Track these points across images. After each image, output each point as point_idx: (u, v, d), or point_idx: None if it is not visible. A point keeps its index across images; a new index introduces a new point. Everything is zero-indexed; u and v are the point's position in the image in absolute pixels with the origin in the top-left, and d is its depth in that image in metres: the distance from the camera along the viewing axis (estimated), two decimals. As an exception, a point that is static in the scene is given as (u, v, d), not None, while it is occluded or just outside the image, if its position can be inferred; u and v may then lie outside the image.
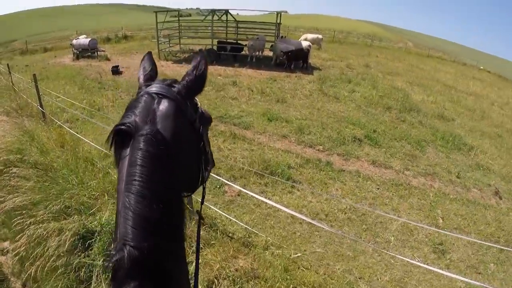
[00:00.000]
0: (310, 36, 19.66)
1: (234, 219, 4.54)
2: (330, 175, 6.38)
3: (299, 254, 3.78)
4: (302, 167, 6.54)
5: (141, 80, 1.00)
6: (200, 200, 1.26)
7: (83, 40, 19.51)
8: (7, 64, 10.98)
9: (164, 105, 0.87)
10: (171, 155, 0.80)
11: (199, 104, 1.02)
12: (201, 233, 3.76)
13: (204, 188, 1.20)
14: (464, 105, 14.33)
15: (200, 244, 3.64)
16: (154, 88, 0.90)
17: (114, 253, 0.64)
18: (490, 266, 5.01)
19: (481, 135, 10.94)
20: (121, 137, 0.80)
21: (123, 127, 0.78)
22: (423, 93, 14.32)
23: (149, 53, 1.11)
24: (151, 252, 0.65)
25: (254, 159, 6.36)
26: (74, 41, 19.77)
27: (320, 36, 20.26)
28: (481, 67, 35.40)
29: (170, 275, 0.72)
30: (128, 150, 0.77)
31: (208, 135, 1.14)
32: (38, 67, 16.05)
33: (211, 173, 1.40)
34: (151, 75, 1.03)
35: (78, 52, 19.03)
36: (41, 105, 7.31)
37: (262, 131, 8.18)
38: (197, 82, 0.97)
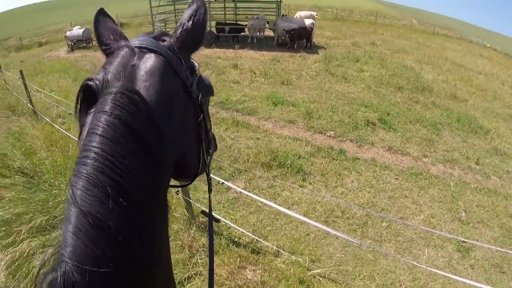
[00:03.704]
0: (303, 13, 18.52)
1: (236, 227, 4.07)
2: (344, 165, 5.86)
3: (318, 271, 3.30)
4: (313, 156, 6.01)
5: (109, 42, 0.74)
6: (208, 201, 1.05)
7: (77, 31, 18.90)
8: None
9: (148, 60, 0.65)
10: (154, 124, 0.56)
11: (197, 66, 0.81)
12: (202, 240, 3.28)
13: (209, 181, 1.00)
14: (476, 85, 13.72)
15: (203, 255, 3.18)
16: (137, 41, 0.69)
17: (47, 273, 0.42)
18: (518, 264, 4.57)
19: (495, 117, 10.41)
20: (87, 97, 0.58)
21: (90, 82, 0.58)
22: (433, 72, 13.66)
23: (101, 10, 0.82)
24: (99, 277, 0.41)
25: (260, 149, 5.78)
26: (68, 33, 19.28)
27: (313, 13, 19.17)
28: (488, 45, 34.42)
29: None
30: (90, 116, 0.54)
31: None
32: (33, 62, 15.67)
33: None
34: (120, 33, 0.77)
35: (72, 44, 18.59)
36: (30, 102, 6.89)
37: (267, 116, 7.61)
38: (194, 35, 0.74)
